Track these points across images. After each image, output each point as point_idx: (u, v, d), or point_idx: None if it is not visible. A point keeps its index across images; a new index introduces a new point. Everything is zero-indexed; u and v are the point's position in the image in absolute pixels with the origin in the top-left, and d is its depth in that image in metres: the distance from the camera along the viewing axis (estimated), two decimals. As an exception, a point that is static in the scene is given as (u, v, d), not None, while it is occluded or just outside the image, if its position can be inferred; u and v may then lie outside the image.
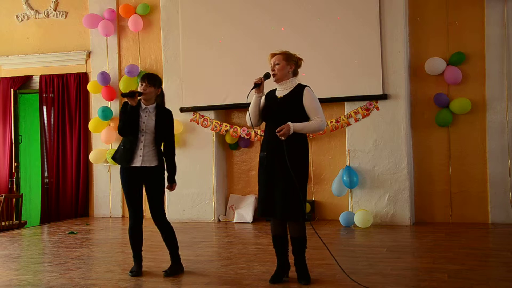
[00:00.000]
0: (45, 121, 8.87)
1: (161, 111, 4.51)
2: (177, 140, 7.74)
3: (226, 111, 8.00)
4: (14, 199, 8.37)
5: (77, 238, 6.52)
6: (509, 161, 6.83)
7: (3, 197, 7.50)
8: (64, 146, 8.77)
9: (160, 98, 4.58)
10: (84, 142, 8.70)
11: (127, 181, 4.42)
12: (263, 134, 4.20)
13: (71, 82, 8.80)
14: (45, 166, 8.84)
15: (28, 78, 9.05)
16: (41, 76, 8.90)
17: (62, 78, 8.83)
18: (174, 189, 4.63)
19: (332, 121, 7.22)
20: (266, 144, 4.08)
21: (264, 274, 4.30)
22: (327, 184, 7.44)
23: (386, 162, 7.00)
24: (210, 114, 7.80)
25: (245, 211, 7.59)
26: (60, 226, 7.71)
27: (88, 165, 8.71)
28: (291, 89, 4.07)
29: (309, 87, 4.09)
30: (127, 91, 4.42)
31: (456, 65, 7.00)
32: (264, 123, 4.20)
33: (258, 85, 4.07)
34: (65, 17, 8.98)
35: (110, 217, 8.55)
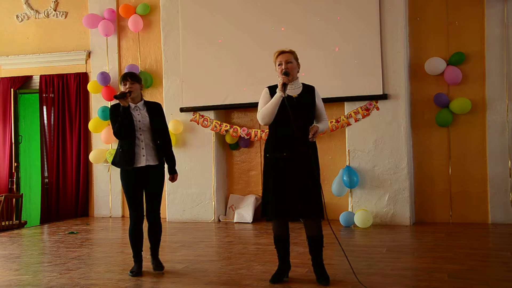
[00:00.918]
0: (45, 121, 8.87)
1: (151, 106, 4.53)
2: (177, 140, 7.76)
3: (226, 111, 8.01)
4: (14, 199, 8.36)
5: (77, 238, 6.52)
6: (509, 161, 6.83)
7: (3, 197, 7.50)
8: (64, 146, 8.77)
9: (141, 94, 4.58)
10: (84, 142, 8.70)
11: (130, 183, 4.41)
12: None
13: (71, 82, 8.80)
14: (45, 166, 8.85)
15: (28, 78, 9.05)
16: (41, 76, 8.90)
17: (62, 78, 8.83)
18: (176, 180, 4.65)
19: (332, 121, 7.22)
20: (282, 144, 3.98)
21: (264, 274, 4.30)
22: (327, 184, 7.43)
23: (386, 162, 7.00)
24: (210, 114, 7.80)
25: (245, 211, 7.59)
26: (60, 226, 7.71)
27: (88, 165, 8.72)
28: (301, 88, 4.06)
29: (315, 87, 4.14)
30: (118, 93, 4.39)
31: (456, 65, 7.00)
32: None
33: (287, 85, 3.97)
34: (65, 17, 8.98)
35: (110, 217, 8.55)
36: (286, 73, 3.99)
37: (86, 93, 8.74)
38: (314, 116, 4.07)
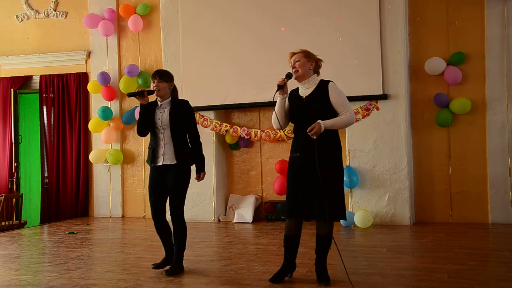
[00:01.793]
0: (45, 121, 8.87)
1: (175, 103, 4.48)
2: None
3: (226, 111, 8.01)
4: (14, 199, 8.36)
5: (77, 238, 6.53)
6: (509, 161, 6.82)
7: (3, 197, 7.50)
8: (64, 146, 8.77)
9: (174, 92, 4.56)
10: (84, 142, 8.70)
11: (150, 181, 4.47)
12: (292, 136, 4.18)
13: (71, 82, 8.80)
14: (45, 166, 8.84)
15: (28, 78, 9.05)
16: (41, 76, 8.90)
17: (62, 78, 8.83)
18: (202, 179, 4.63)
19: (332, 121, 7.21)
20: (298, 145, 4.02)
21: (264, 274, 4.30)
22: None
23: (386, 162, 7.00)
24: (210, 114, 7.81)
25: (245, 211, 7.59)
26: (60, 226, 7.71)
27: (88, 165, 8.71)
28: (315, 86, 4.03)
29: (332, 81, 4.05)
30: (135, 90, 4.42)
31: (456, 65, 7.00)
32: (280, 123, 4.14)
33: (281, 87, 4.00)
34: (65, 17, 8.98)
35: (110, 217, 8.55)
36: (288, 75, 4.04)
37: (86, 93, 8.74)
38: (332, 112, 3.99)
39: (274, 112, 4.07)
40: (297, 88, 4.12)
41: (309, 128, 3.84)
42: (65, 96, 8.79)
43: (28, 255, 5.59)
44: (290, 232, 4.07)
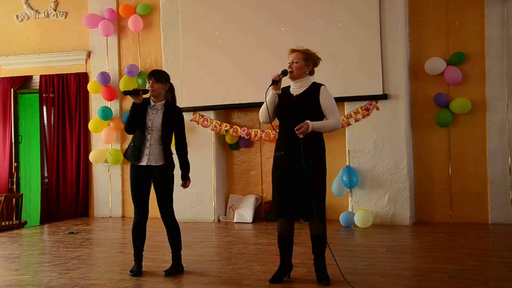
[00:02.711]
0: (45, 121, 8.87)
1: (169, 108, 4.46)
2: (177, 140, 7.75)
3: (226, 111, 8.01)
4: (14, 199, 8.36)
5: (77, 238, 6.52)
6: (509, 161, 6.83)
7: (3, 197, 7.50)
8: (64, 146, 8.77)
9: (170, 93, 4.53)
10: (84, 142, 8.69)
11: (134, 179, 4.43)
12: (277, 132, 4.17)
13: (71, 82, 8.80)
14: (45, 166, 8.84)
15: (28, 78, 9.04)
16: (41, 76, 8.90)
17: (62, 78, 8.83)
18: (188, 186, 4.65)
19: (332, 121, 7.21)
20: (282, 143, 4.04)
21: (264, 274, 4.30)
22: (327, 184, 7.42)
23: (386, 162, 7.00)
24: (210, 114, 7.80)
25: (245, 211, 7.59)
26: (60, 226, 7.71)
27: (88, 165, 8.71)
28: (307, 87, 4.04)
29: (324, 85, 4.07)
30: (130, 89, 4.40)
31: (456, 65, 7.00)
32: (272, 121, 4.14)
33: (276, 82, 4.00)
34: (65, 17, 8.98)
35: (110, 217, 8.55)
36: (283, 72, 4.05)
37: (86, 93, 8.74)
38: (319, 115, 4.02)
39: (265, 103, 4.05)
40: (289, 86, 4.13)
41: (297, 127, 3.85)
42: (65, 96, 8.79)
43: (28, 255, 5.59)
44: (282, 232, 4.09)
